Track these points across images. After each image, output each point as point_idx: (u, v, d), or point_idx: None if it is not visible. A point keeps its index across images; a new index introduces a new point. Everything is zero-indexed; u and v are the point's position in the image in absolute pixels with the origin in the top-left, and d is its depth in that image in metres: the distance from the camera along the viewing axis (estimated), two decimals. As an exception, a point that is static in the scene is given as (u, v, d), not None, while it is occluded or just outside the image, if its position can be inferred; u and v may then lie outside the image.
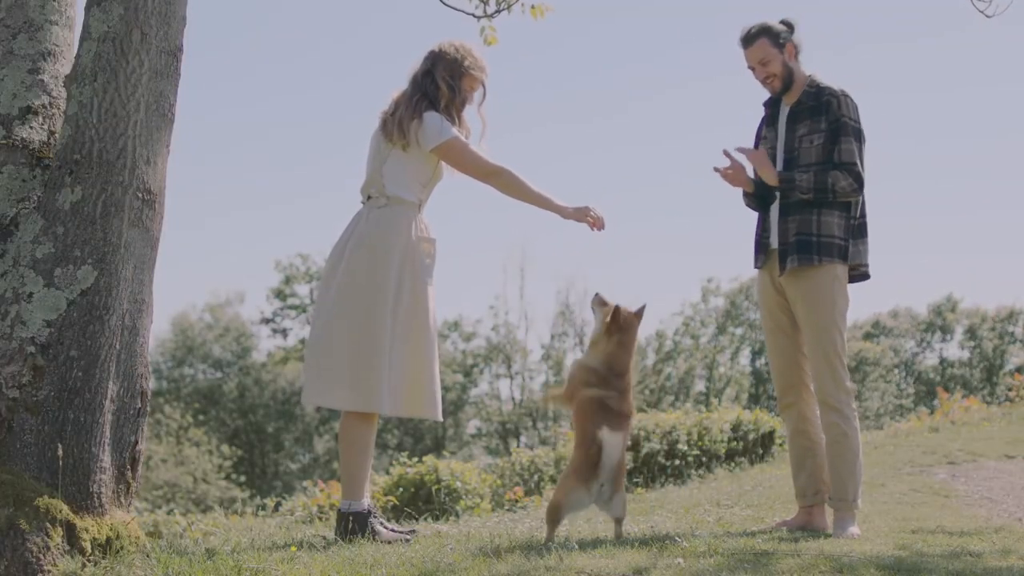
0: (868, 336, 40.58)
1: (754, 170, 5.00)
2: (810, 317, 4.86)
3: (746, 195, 5.13)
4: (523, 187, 4.63)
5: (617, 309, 4.43)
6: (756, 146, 5.14)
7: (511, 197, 4.66)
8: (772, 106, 5.11)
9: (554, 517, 4.23)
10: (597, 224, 4.66)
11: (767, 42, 4.94)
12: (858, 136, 4.87)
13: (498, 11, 6.42)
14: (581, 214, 4.63)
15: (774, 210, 4.99)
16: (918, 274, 52.51)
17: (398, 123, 4.60)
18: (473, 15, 6.40)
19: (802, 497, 5.04)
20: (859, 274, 5.00)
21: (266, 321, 41.27)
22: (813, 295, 4.85)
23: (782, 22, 4.99)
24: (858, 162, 4.83)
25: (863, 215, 4.96)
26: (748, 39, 4.97)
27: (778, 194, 4.96)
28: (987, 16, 6.23)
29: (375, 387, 4.47)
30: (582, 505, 4.23)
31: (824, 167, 4.84)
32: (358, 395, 4.49)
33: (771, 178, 4.89)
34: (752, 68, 5.00)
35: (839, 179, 4.80)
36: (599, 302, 4.53)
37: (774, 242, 4.98)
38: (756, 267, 5.12)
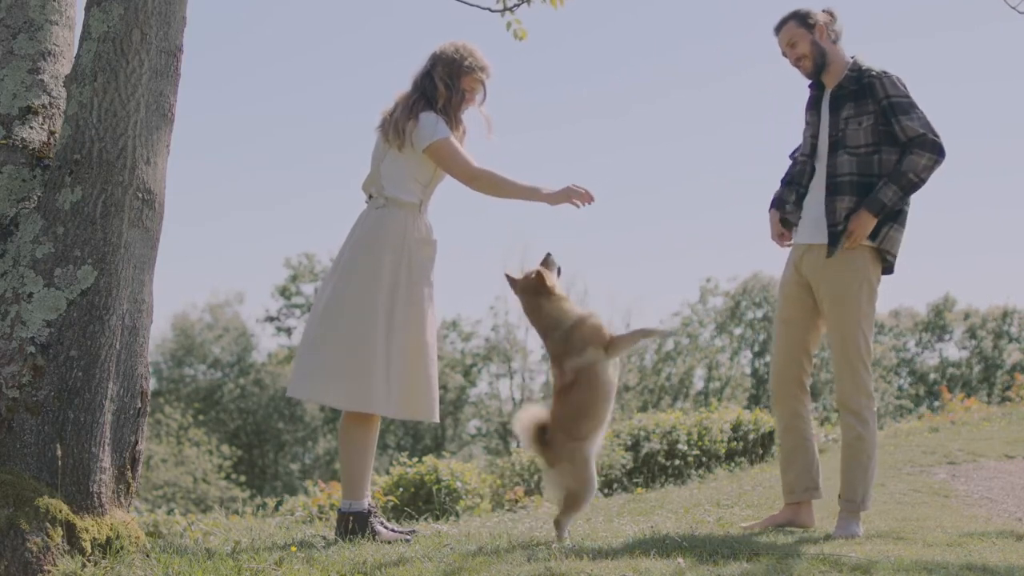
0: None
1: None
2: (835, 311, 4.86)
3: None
4: (506, 184, 4.60)
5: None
6: (804, 131, 5.08)
7: (497, 197, 4.64)
8: (816, 89, 5.05)
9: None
10: (585, 199, 4.59)
11: (794, 24, 4.94)
12: (914, 108, 4.76)
13: (518, 4, 6.37)
14: (567, 196, 4.56)
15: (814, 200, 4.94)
16: (916, 274, 52.53)
17: (395, 123, 4.61)
18: (489, 9, 6.35)
19: (790, 493, 5.03)
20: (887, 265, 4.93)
21: (270, 319, 41.31)
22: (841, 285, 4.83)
23: (824, 11, 4.96)
24: (925, 130, 4.72)
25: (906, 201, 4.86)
26: (778, 25, 4.99)
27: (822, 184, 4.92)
28: (1020, 12, 6.16)
29: (371, 388, 4.47)
30: None
31: (873, 151, 4.77)
32: (354, 395, 4.49)
33: (871, 224, 4.76)
34: (784, 54, 4.98)
35: (915, 163, 4.71)
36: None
37: (804, 237, 4.96)
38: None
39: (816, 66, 4.93)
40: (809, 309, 4.97)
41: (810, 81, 5.06)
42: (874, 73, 4.83)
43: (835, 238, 4.82)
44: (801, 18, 4.94)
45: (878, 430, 11.21)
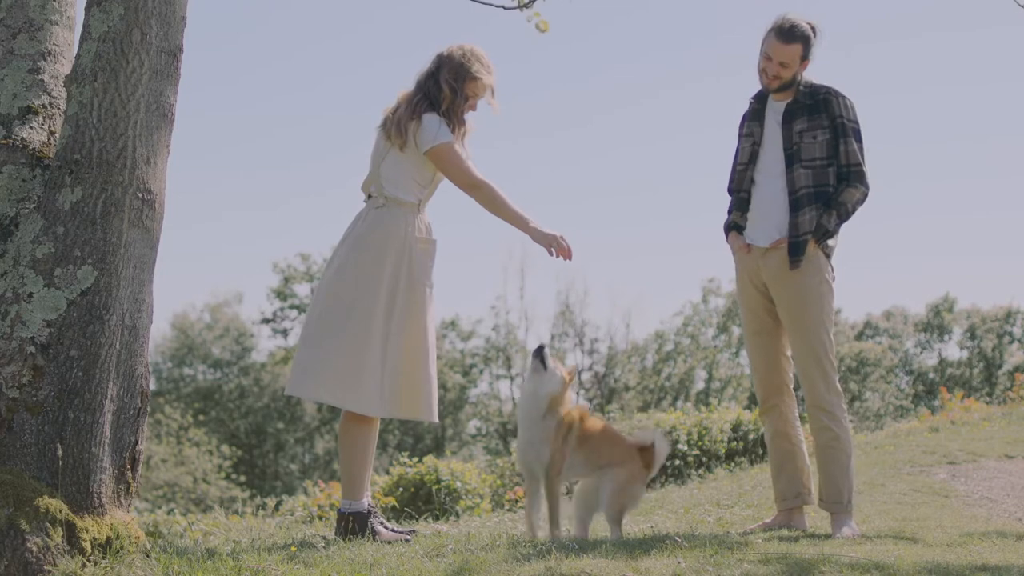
0: (860, 336, 40.55)
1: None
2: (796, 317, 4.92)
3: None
4: (502, 203, 4.60)
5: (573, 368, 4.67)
6: (740, 140, 5.16)
7: (489, 211, 4.63)
8: (759, 101, 5.11)
9: (630, 510, 4.64)
10: (564, 254, 4.58)
11: (800, 49, 4.89)
12: (858, 137, 4.94)
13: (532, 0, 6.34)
14: (550, 241, 4.56)
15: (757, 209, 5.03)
16: (914, 274, 52.52)
17: (397, 123, 4.62)
18: (503, 7, 6.34)
19: (782, 500, 5.05)
20: None
21: (266, 321, 41.29)
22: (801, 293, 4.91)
23: (810, 24, 4.91)
24: (862, 162, 4.91)
25: None
26: (789, 36, 4.88)
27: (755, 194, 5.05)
28: None
29: (367, 388, 4.48)
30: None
31: (828, 164, 4.89)
32: (349, 394, 4.49)
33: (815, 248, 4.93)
34: (768, 58, 4.91)
35: (852, 195, 4.89)
36: (547, 363, 4.55)
37: (762, 240, 5.00)
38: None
39: (782, 87, 4.97)
40: (775, 315, 5.02)
41: (756, 92, 5.11)
42: (831, 90, 4.94)
43: (796, 248, 4.90)
44: (808, 49, 4.91)
45: (879, 430, 11.22)
